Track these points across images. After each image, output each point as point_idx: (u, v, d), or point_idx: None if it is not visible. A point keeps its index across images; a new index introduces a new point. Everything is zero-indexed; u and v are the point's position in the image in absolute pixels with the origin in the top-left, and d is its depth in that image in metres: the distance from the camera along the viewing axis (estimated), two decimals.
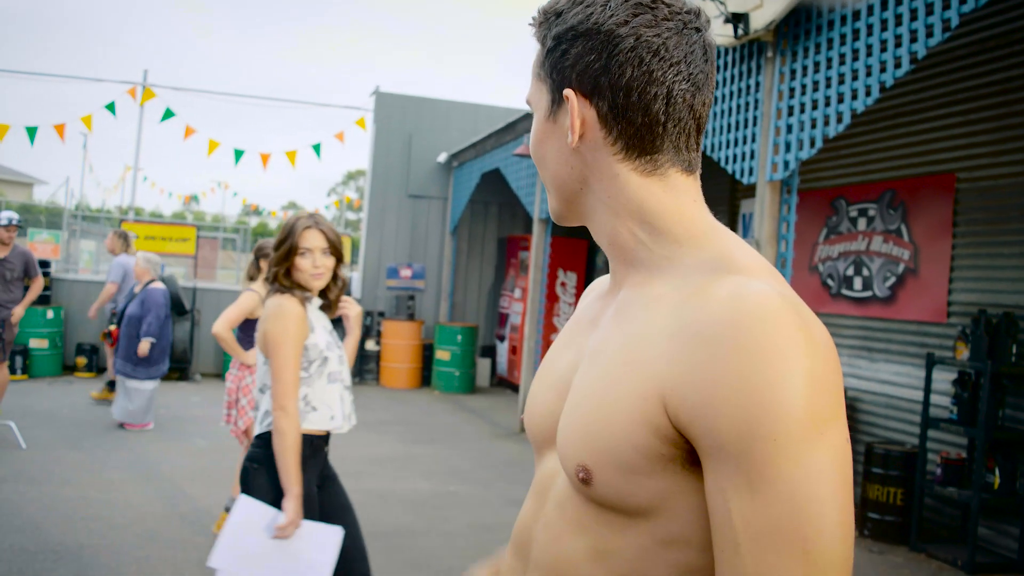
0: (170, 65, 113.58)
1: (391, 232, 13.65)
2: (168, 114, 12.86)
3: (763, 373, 0.86)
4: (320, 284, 3.22)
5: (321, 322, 3.30)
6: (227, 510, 5.49)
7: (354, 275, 14.45)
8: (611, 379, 1.01)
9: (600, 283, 1.30)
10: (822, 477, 0.86)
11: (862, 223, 7.30)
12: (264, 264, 5.43)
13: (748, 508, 0.87)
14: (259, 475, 3.04)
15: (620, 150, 1.06)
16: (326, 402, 3.21)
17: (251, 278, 5.53)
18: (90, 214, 21.80)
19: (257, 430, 3.14)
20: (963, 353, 5.86)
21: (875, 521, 6.14)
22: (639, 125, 1.04)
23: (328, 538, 3.07)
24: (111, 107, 12.79)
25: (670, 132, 1.05)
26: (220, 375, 12.68)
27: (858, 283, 7.30)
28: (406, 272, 13.14)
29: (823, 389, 0.88)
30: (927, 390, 5.98)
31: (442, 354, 12.58)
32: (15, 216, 7.83)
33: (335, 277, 3.28)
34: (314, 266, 3.17)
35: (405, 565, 5.18)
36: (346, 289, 3.30)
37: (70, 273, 14.37)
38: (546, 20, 1.10)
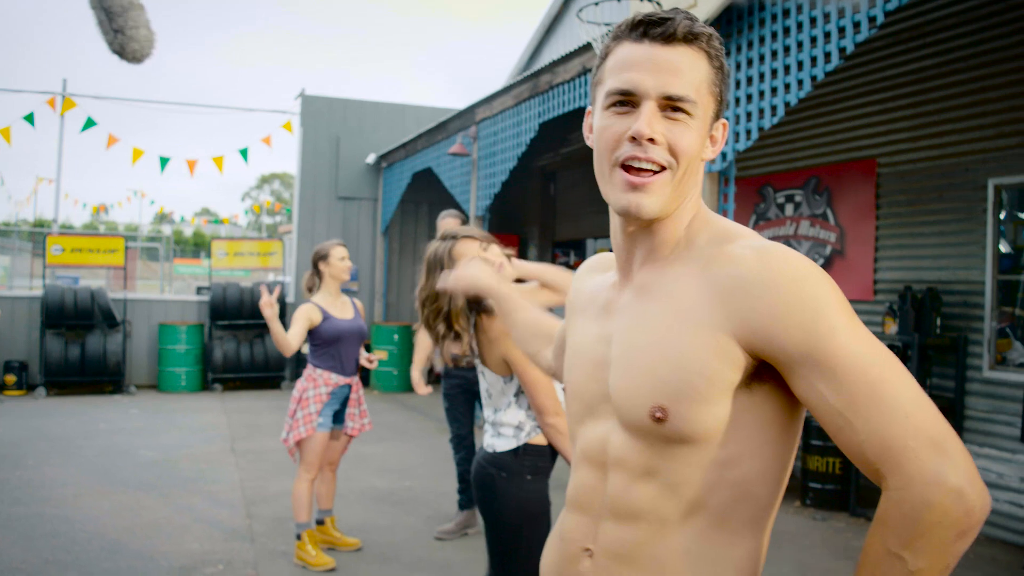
0: (89, 74, 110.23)
1: (322, 234, 13.64)
2: (89, 123, 12.64)
3: (804, 292, 1.17)
4: None
5: None
6: (319, 523, 5.45)
7: (286, 279, 14.41)
8: (669, 336, 1.27)
9: (592, 276, 1.58)
10: (874, 343, 1.17)
11: (789, 209, 7.64)
12: (323, 266, 5.28)
13: (838, 386, 1.14)
14: (509, 485, 2.91)
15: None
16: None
17: (309, 288, 5.35)
18: (3, 228, 21.16)
19: (501, 446, 2.96)
20: (891, 327, 6.21)
21: (816, 490, 6.45)
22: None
23: None
24: (30, 118, 12.51)
25: None
26: (155, 386, 12.55)
27: None
28: None
29: (842, 297, 1.20)
30: None
31: (380, 354, 12.62)
32: None
33: None
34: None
35: (375, 559, 5.29)
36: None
37: None
38: (720, 45, 1.35)
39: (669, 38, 1.28)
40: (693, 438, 1.24)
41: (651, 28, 1.30)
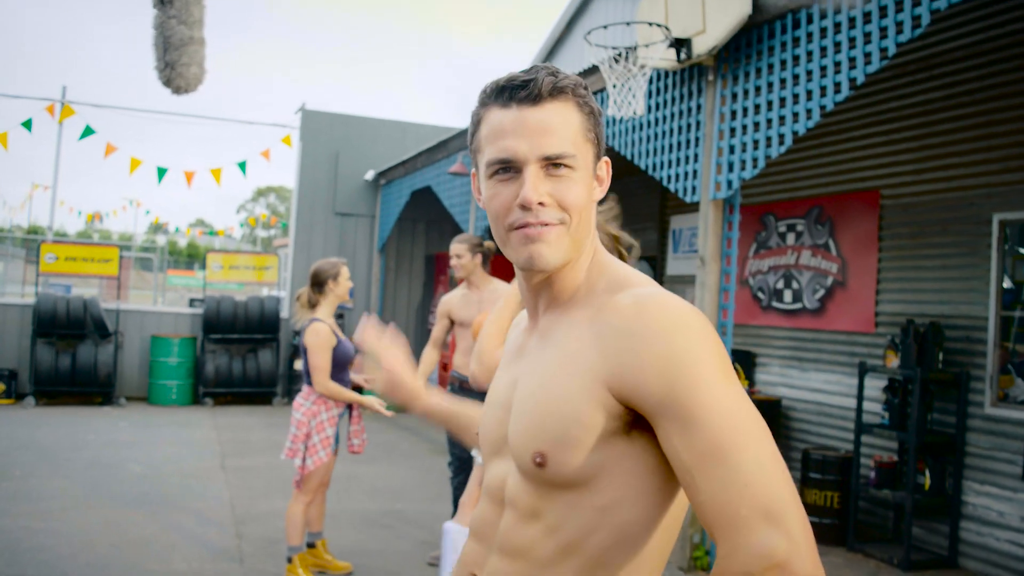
0: (88, 81, 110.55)
1: (318, 250, 13.57)
2: (88, 131, 12.57)
3: (672, 344, 1.17)
4: None
5: None
6: (310, 545, 5.35)
7: (281, 294, 14.33)
8: (553, 382, 1.29)
9: (520, 320, 1.62)
10: (737, 404, 1.14)
11: (791, 238, 7.60)
12: (331, 285, 5.18)
13: (689, 442, 1.13)
14: None
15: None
16: None
17: (313, 305, 5.22)
18: None
19: None
20: (893, 361, 6.16)
21: (814, 524, 6.34)
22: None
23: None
24: (28, 124, 12.45)
25: None
26: (145, 399, 12.43)
27: (788, 296, 7.59)
28: None
29: (716, 351, 1.19)
30: (860, 397, 6.25)
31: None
32: None
33: None
34: None
35: None
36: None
37: None
38: (585, 90, 1.37)
39: (536, 99, 1.31)
40: (571, 483, 1.26)
41: (516, 92, 1.32)
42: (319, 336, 5.04)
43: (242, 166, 13.55)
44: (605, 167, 1.42)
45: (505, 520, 1.37)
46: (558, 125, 1.31)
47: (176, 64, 4.11)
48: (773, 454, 1.12)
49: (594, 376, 1.24)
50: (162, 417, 11.17)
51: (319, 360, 5.00)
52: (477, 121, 1.40)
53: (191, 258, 40.24)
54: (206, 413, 11.71)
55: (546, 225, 1.31)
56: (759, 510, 1.07)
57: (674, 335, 1.18)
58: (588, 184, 1.35)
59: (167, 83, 4.17)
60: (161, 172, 13.33)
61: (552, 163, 1.31)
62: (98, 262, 12.52)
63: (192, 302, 14.66)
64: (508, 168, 1.33)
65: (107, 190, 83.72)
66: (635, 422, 1.23)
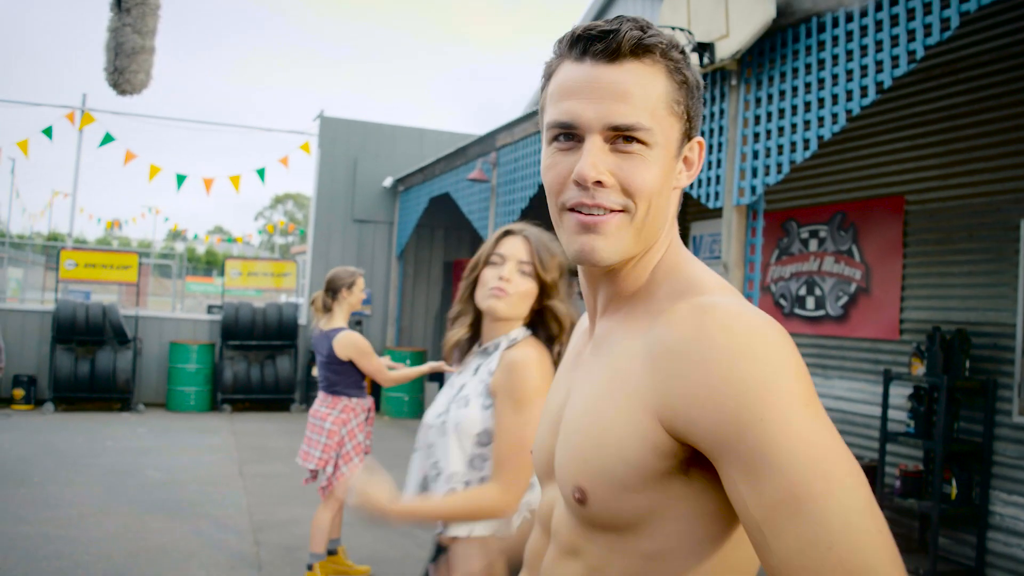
0: (109, 90, 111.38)
1: (336, 257, 13.56)
2: (107, 139, 12.62)
3: (736, 367, 0.95)
4: (496, 304, 2.32)
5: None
6: (330, 552, 5.32)
7: (299, 301, 14.33)
8: (599, 406, 1.09)
9: (582, 322, 1.41)
10: (821, 443, 0.92)
11: (813, 244, 7.52)
12: (345, 294, 5.23)
13: (757, 489, 0.92)
14: None
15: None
16: None
17: (327, 310, 5.25)
18: (17, 241, 21.19)
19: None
20: (919, 368, 6.07)
21: None
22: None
23: None
24: (48, 132, 12.51)
25: None
26: (164, 405, 12.44)
27: (811, 302, 7.50)
28: None
29: (796, 376, 0.96)
30: (885, 405, 6.17)
31: None
32: None
33: (543, 312, 2.37)
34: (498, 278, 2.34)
35: None
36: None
37: (0, 303, 13.95)
38: (681, 54, 1.13)
39: (613, 54, 1.08)
40: (613, 525, 1.08)
41: (591, 44, 1.10)
42: (357, 344, 5.13)
43: (261, 173, 13.57)
44: (698, 149, 1.18)
45: (549, 553, 1.22)
46: (636, 90, 1.08)
47: (125, 71, 4.30)
48: (867, 506, 0.90)
49: (643, 404, 1.03)
50: (180, 423, 11.17)
51: (372, 364, 5.12)
52: (548, 74, 1.18)
53: (209, 265, 40.43)
54: (224, 420, 11.71)
55: (605, 212, 1.10)
56: None
57: (739, 357, 0.95)
58: (666, 166, 1.12)
59: (114, 86, 4.41)
60: (180, 179, 13.37)
61: (622, 135, 1.08)
62: (117, 269, 12.55)
63: (210, 308, 14.68)
64: (570, 135, 1.11)
65: (126, 197, 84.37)
66: (694, 459, 1.02)
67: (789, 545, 0.89)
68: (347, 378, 5.16)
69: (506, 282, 2.31)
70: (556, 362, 2.28)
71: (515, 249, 2.36)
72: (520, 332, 2.35)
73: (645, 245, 1.15)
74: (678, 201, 1.19)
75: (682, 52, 1.13)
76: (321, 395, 5.20)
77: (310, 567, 5.04)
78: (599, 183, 1.09)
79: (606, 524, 1.08)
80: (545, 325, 2.35)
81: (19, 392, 11.66)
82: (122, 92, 4.39)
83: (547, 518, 1.25)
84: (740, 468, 0.93)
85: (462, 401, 2.26)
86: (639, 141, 1.09)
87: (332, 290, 5.24)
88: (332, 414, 5.12)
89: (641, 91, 1.08)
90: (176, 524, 6.34)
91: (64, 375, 11.52)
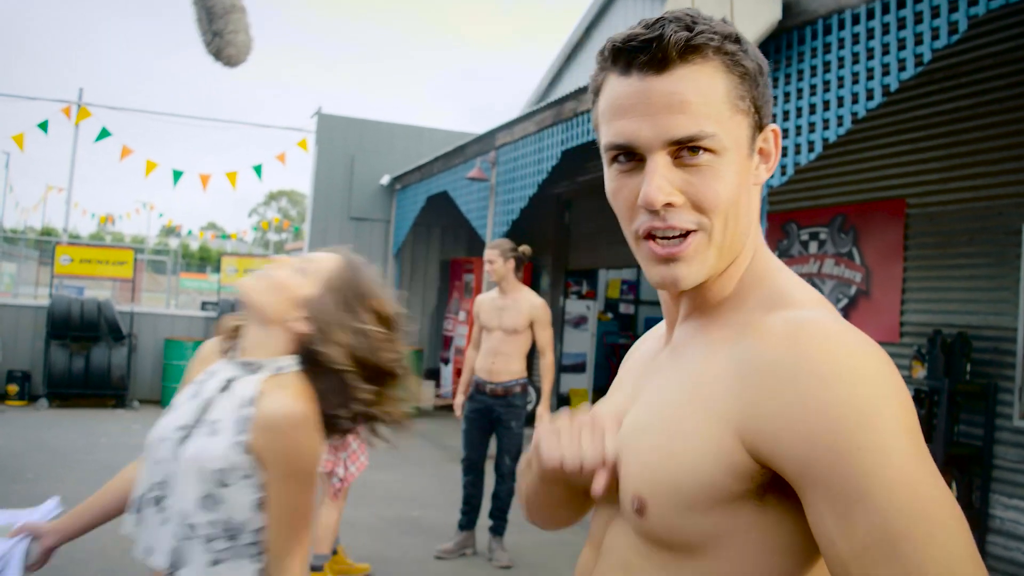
0: (105, 84, 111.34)
1: None
2: (104, 134, 12.57)
3: (834, 390, 0.87)
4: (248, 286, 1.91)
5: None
6: (314, 569, 5.29)
7: None
8: (675, 415, 1.02)
9: (644, 342, 1.33)
10: (923, 481, 0.84)
11: (813, 246, 7.52)
12: None
13: (847, 525, 0.84)
14: None
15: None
16: None
17: None
18: (10, 235, 21.10)
19: None
20: (919, 372, 6.07)
21: None
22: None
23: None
24: (43, 126, 12.45)
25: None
26: (159, 402, 12.39)
27: None
28: None
29: (899, 404, 0.88)
30: None
31: None
32: None
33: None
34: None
35: None
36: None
37: None
38: (736, 43, 1.04)
39: (662, 64, 1.00)
40: (670, 545, 1.00)
41: (635, 56, 1.01)
42: None
43: (258, 170, 13.54)
44: (773, 137, 1.09)
45: (597, 570, 1.13)
46: (693, 96, 0.99)
47: (224, 32, 3.96)
48: (969, 554, 0.82)
49: (723, 419, 0.96)
50: None
51: None
52: (596, 90, 1.10)
53: (203, 261, 40.34)
54: None
55: (679, 233, 1.02)
56: None
57: (838, 378, 0.87)
58: (740, 169, 1.04)
59: (217, 54, 4.00)
60: (177, 175, 13.34)
61: (686, 147, 1.00)
62: (113, 264, 12.50)
63: (204, 305, 14.63)
64: (631, 155, 1.04)
65: (121, 192, 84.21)
66: (772, 484, 0.94)
67: None
68: None
69: (276, 267, 1.91)
70: (336, 423, 1.86)
71: (322, 256, 1.96)
72: (288, 362, 1.87)
73: (731, 256, 1.08)
74: (758, 197, 1.11)
75: (737, 40, 1.04)
76: None
77: (320, 568, 5.01)
78: (670, 204, 1.01)
79: (663, 541, 1.01)
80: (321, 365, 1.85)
81: (13, 388, 11.60)
82: (228, 60, 4.01)
83: (598, 534, 1.16)
84: (830, 500, 0.86)
85: (210, 428, 1.82)
86: (706, 150, 1.01)
87: None
88: None
89: (699, 96, 1.00)
90: None
91: (58, 371, 11.46)
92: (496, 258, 5.74)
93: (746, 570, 0.96)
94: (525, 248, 5.84)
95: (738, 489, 0.95)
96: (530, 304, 5.71)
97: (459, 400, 5.95)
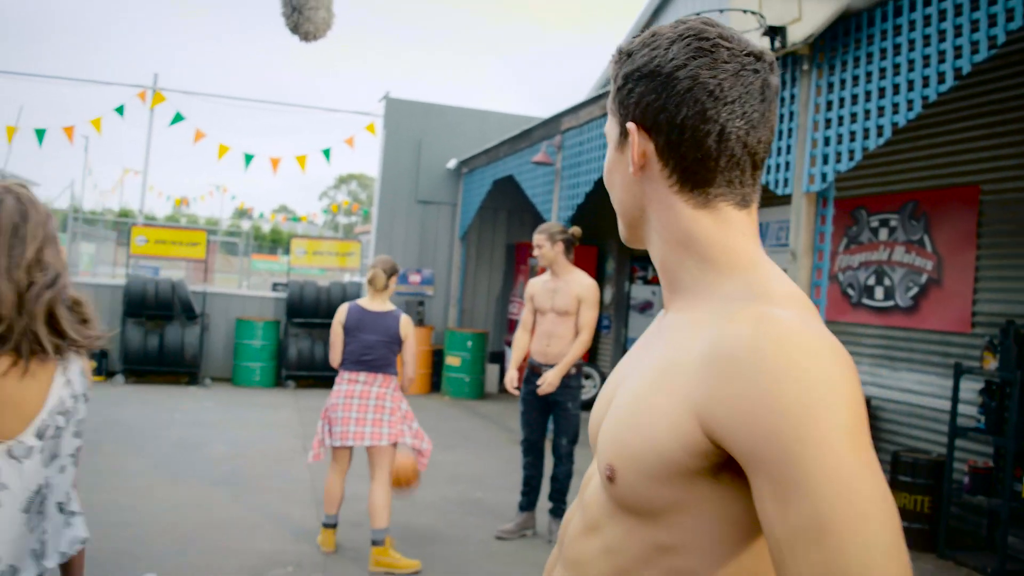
0: (178, 69, 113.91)
1: (400, 238, 13.68)
2: (178, 117, 12.86)
3: (781, 386, 0.93)
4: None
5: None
6: (326, 526, 5.43)
7: (364, 281, 14.47)
8: (646, 393, 1.11)
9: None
10: (858, 474, 0.90)
11: (883, 233, 7.37)
12: (393, 280, 5.47)
13: (783, 510, 0.92)
14: None
15: (675, 182, 1.15)
16: None
17: (385, 288, 5.44)
18: (89, 217, 21.71)
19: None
20: (991, 363, 5.93)
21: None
22: (692, 160, 1.13)
23: None
24: (120, 110, 12.78)
25: (722, 167, 1.13)
26: (229, 380, 12.69)
27: (879, 293, 7.37)
28: (415, 278, 13.17)
29: (846, 403, 0.93)
30: (955, 399, 6.03)
31: (452, 360, 12.61)
32: None
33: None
34: None
35: (447, 573, 5.21)
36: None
37: (73, 276, 14.31)
38: (619, 60, 1.21)
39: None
40: (635, 510, 1.10)
41: None
42: (412, 326, 5.43)
43: (326, 153, 13.71)
44: (629, 134, 1.19)
45: (574, 524, 1.26)
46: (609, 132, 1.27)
47: (303, 7, 4.00)
48: (891, 548, 0.88)
49: (686, 400, 1.03)
50: (245, 398, 11.39)
51: (416, 346, 5.48)
52: None
53: (274, 243, 41.01)
54: (288, 395, 11.91)
55: None
56: None
57: (788, 376, 0.94)
58: (612, 158, 1.24)
59: (295, 29, 4.05)
60: (248, 158, 13.58)
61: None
62: (186, 245, 12.79)
63: (275, 286, 14.90)
64: None
65: (195, 175, 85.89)
66: (727, 464, 1.02)
67: (803, 571, 0.89)
68: (395, 356, 5.40)
69: None
70: None
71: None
72: None
73: (635, 230, 1.26)
74: (660, 186, 1.19)
75: (628, 55, 1.20)
76: (366, 375, 5.27)
77: (382, 542, 5.15)
78: None
79: (630, 507, 1.11)
80: None
81: (91, 364, 11.93)
82: (305, 35, 4.05)
83: (583, 489, 1.30)
84: (771, 485, 0.93)
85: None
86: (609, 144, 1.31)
87: (388, 273, 5.41)
88: (397, 394, 5.33)
89: (608, 104, 1.26)
90: (241, 497, 6.47)
91: (134, 348, 11.81)
92: (543, 242, 5.78)
93: (700, 538, 1.06)
94: (575, 230, 5.85)
95: (694, 465, 1.03)
96: (579, 284, 5.74)
97: (512, 374, 5.99)
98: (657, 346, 1.19)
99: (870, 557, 0.87)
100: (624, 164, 1.20)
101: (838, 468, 0.90)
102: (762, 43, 5.29)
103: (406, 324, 5.35)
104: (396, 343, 5.31)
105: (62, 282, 1.86)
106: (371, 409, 5.21)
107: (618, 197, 1.24)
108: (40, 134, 12.80)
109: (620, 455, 1.10)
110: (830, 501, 0.89)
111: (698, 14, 4.33)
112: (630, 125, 1.17)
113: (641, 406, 1.10)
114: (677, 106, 1.12)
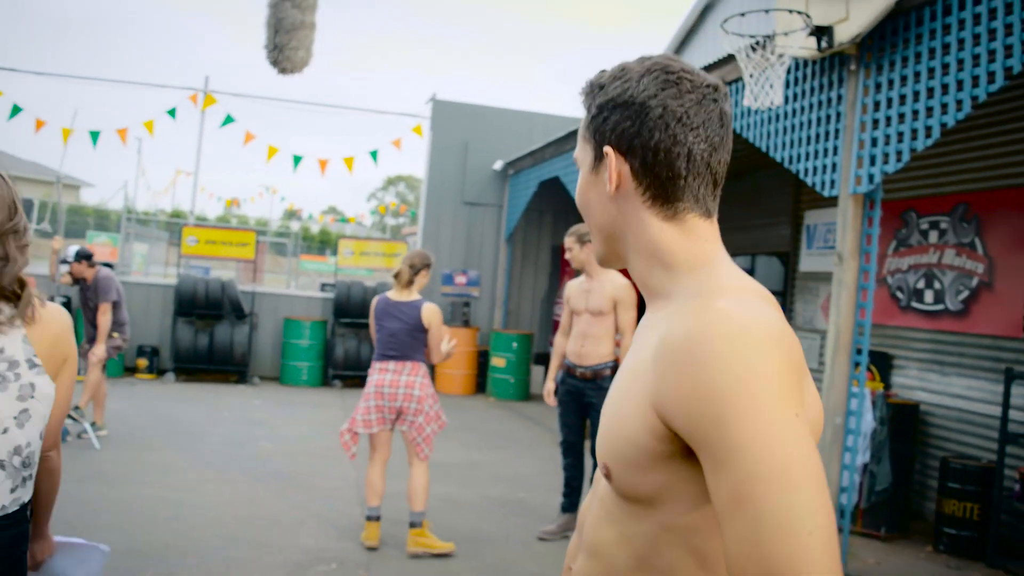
0: (229, 71, 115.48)
1: (446, 239, 13.75)
2: (228, 120, 13.06)
3: (711, 368, 1.03)
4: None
5: None
6: (369, 519, 5.51)
7: None
8: (621, 395, 1.23)
9: None
10: (778, 442, 0.98)
11: (933, 236, 7.26)
12: (424, 274, 5.55)
13: (716, 482, 1.01)
14: None
15: (648, 199, 1.27)
16: None
17: (410, 283, 5.53)
18: (142, 217, 22.11)
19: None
20: None
21: (951, 536, 6.09)
22: (664, 178, 1.25)
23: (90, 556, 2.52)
24: (172, 112, 13.00)
25: (690, 184, 1.25)
26: (277, 379, 12.85)
27: (929, 296, 7.25)
28: (461, 279, 13.22)
29: (761, 377, 1.02)
30: (1006, 405, 5.93)
31: (498, 361, 12.65)
32: (72, 252, 7.99)
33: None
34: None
35: (489, 573, 5.23)
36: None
37: (126, 275, 14.58)
38: (591, 92, 1.33)
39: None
40: (634, 498, 1.21)
41: None
42: (439, 314, 5.51)
43: (374, 155, 13.82)
44: (605, 157, 1.30)
45: (592, 515, 1.36)
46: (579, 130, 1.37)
47: (285, 47, 4.26)
48: (808, 510, 0.95)
49: (645, 394, 1.14)
50: (293, 397, 11.53)
51: (442, 333, 5.49)
52: None
53: (323, 244, 41.38)
54: (335, 395, 12.02)
55: None
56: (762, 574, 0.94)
57: (714, 359, 1.03)
58: (585, 180, 1.35)
59: (274, 63, 4.34)
60: (297, 160, 13.74)
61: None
62: (236, 246, 12.98)
63: (323, 287, 15.06)
64: None
65: (244, 177, 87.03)
66: (690, 450, 1.12)
67: (730, 537, 0.98)
68: (422, 344, 5.47)
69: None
70: None
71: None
72: None
73: (603, 240, 1.36)
74: (636, 205, 1.29)
75: (600, 87, 1.32)
76: (394, 364, 5.42)
77: (420, 524, 5.31)
78: None
79: (628, 496, 1.22)
80: None
81: (143, 362, 12.22)
82: (282, 70, 4.38)
83: (597, 482, 1.39)
84: (708, 462, 1.03)
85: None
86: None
87: (417, 267, 5.52)
88: (427, 380, 5.49)
89: (580, 132, 1.38)
90: (287, 494, 6.56)
91: (184, 347, 12.03)
92: (573, 245, 5.83)
93: (692, 516, 1.16)
94: None
95: (665, 450, 1.13)
96: (614, 285, 5.73)
97: (549, 386, 6.04)
98: (635, 347, 1.30)
99: (785, 519, 0.94)
100: (600, 185, 1.31)
101: (757, 440, 0.98)
102: (808, 43, 5.25)
103: (428, 311, 5.41)
104: (419, 330, 5.42)
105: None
106: (401, 398, 5.32)
107: (595, 216, 1.35)
108: (94, 136, 13.06)
109: (609, 454, 1.22)
110: (748, 471, 0.97)
111: (743, 15, 4.30)
112: (607, 149, 1.28)
113: (618, 407, 1.22)
114: (651, 131, 1.24)
